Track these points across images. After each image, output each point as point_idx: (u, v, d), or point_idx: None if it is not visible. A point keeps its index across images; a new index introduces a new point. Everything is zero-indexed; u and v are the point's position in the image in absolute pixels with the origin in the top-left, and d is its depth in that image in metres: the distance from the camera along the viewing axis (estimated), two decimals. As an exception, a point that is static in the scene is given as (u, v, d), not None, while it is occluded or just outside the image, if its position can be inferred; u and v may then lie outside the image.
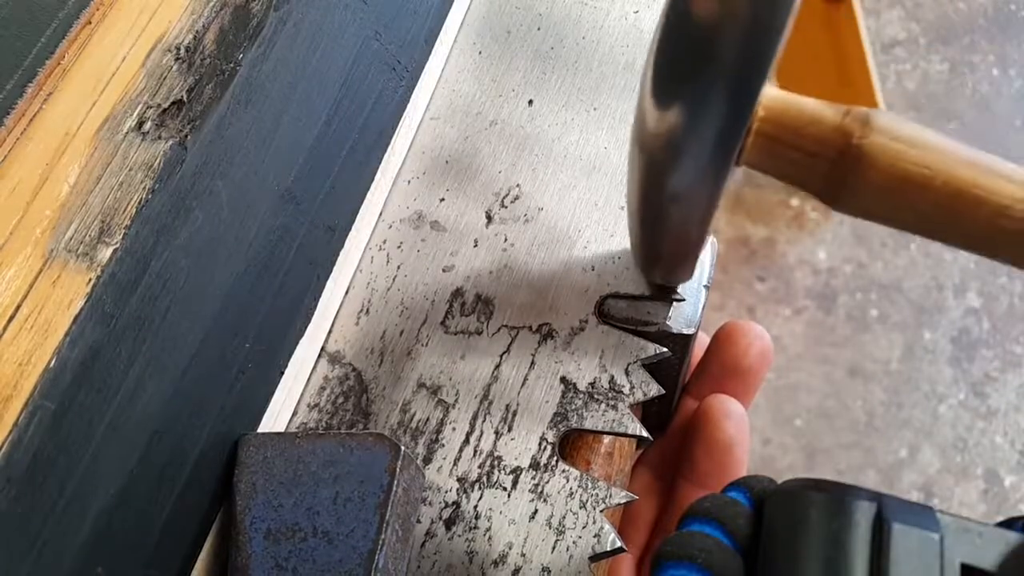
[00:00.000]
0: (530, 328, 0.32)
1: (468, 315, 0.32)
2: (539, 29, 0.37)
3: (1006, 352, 1.17)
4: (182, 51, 0.25)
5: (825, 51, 1.18)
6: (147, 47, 0.25)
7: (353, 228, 0.32)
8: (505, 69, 0.37)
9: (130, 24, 0.25)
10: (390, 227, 0.34)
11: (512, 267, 0.33)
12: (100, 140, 0.24)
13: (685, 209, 0.24)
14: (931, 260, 1.22)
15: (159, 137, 0.24)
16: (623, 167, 0.34)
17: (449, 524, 0.29)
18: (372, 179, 0.33)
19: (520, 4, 0.38)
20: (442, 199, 0.34)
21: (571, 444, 0.30)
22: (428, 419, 0.30)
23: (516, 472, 0.29)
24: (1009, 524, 0.22)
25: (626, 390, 0.30)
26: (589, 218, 0.33)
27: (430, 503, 0.29)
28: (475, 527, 0.29)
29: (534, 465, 0.29)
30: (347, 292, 0.33)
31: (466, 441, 0.30)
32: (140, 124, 0.24)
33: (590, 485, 0.29)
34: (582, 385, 0.31)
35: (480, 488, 0.29)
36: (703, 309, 0.32)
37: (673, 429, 0.35)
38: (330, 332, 0.32)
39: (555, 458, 0.29)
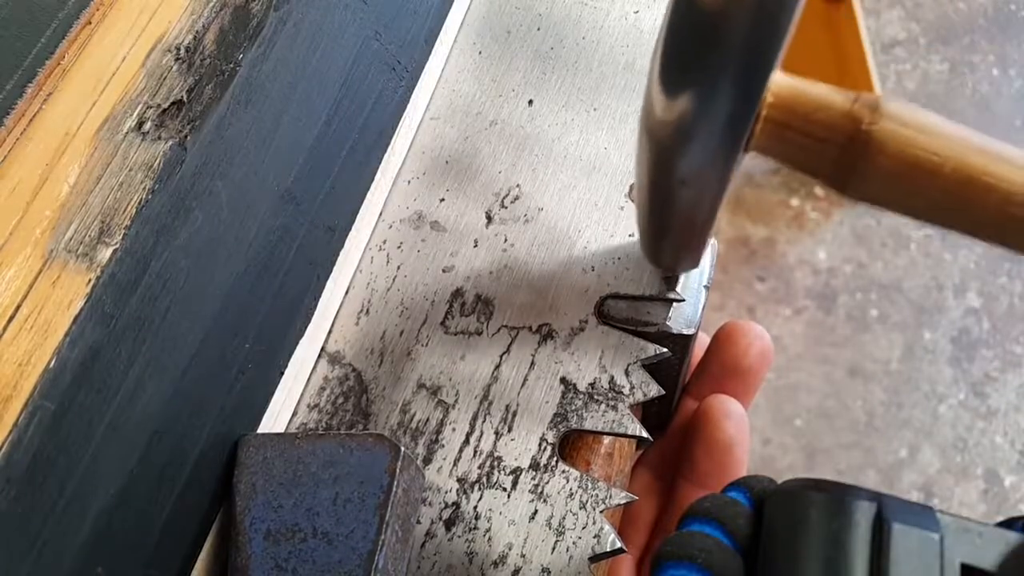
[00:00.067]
0: (530, 328, 0.32)
1: (468, 315, 0.32)
2: (539, 29, 0.37)
3: (1006, 352, 1.17)
4: (182, 51, 0.25)
5: (825, 51, 1.18)
6: (147, 47, 0.25)
7: (353, 228, 0.32)
8: (505, 69, 0.37)
9: (130, 24, 0.25)
10: (390, 227, 0.34)
11: (512, 267, 0.33)
12: (100, 140, 0.24)
13: (694, 195, 0.24)
14: (931, 260, 1.22)
15: (159, 137, 0.24)
16: (623, 167, 0.34)
17: (449, 525, 0.29)
18: (372, 179, 0.33)
19: (520, 4, 0.38)
20: (442, 199, 0.34)
21: (571, 444, 0.30)
22: (428, 419, 0.30)
23: (516, 473, 0.29)
24: (1009, 524, 0.22)
25: (626, 390, 0.30)
26: (589, 218, 0.33)
27: (430, 504, 0.29)
28: (475, 528, 0.29)
29: (534, 466, 0.29)
30: (347, 292, 0.33)
31: (466, 442, 0.30)
32: (140, 124, 0.24)
33: (590, 486, 0.29)
34: (582, 385, 0.31)
35: (480, 489, 0.29)
36: (703, 309, 0.32)
37: (673, 429, 0.35)
38: (330, 332, 0.32)
39: (555, 459, 0.29)
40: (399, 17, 0.33)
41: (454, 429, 0.30)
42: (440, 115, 0.36)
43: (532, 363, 0.31)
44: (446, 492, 0.29)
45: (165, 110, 0.25)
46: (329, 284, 0.31)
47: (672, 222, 0.26)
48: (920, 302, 1.20)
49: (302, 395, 0.31)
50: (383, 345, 0.32)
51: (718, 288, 1.19)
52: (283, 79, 0.28)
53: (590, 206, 0.34)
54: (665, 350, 0.31)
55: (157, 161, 0.24)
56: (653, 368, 0.31)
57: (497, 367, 0.31)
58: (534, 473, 0.29)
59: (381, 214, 0.34)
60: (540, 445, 0.30)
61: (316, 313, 0.31)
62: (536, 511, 0.29)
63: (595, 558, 0.28)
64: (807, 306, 1.20)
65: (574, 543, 0.28)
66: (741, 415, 0.32)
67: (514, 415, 0.30)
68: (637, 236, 0.33)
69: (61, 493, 0.21)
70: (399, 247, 0.33)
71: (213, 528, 0.27)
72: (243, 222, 0.27)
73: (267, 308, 0.28)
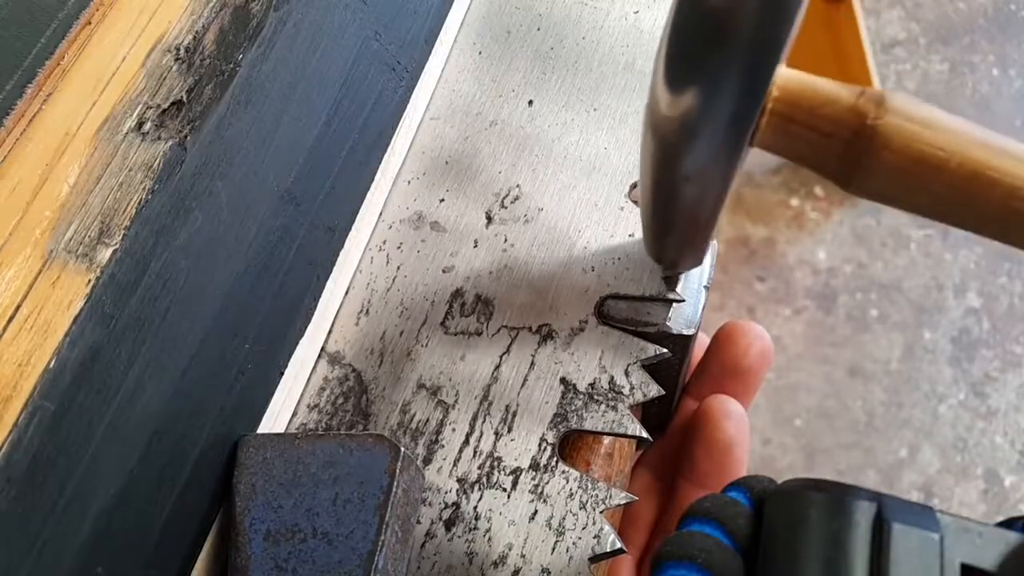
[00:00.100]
0: (530, 329, 0.32)
1: (468, 316, 0.32)
2: (539, 29, 0.37)
3: (1006, 352, 1.17)
4: (182, 51, 0.25)
5: (825, 51, 1.18)
6: (147, 47, 0.25)
7: (353, 228, 0.32)
8: (505, 69, 0.37)
9: (130, 24, 0.25)
10: (390, 227, 0.34)
11: (512, 267, 0.33)
12: (100, 140, 0.24)
13: (698, 191, 0.24)
14: (931, 260, 1.22)
15: (159, 137, 0.24)
16: (623, 167, 0.34)
17: (449, 525, 0.29)
18: (372, 179, 0.33)
19: (520, 4, 0.38)
20: (442, 199, 0.34)
21: (571, 445, 0.30)
22: (428, 420, 0.30)
23: (516, 473, 0.29)
24: (1009, 524, 0.22)
25: (626, 391, 0.30)
26: (589, 218, 0.33)
27: (430, 504, 0.29)
28: (475, 528, 0.29)
29: (534, 466, 0.29)
30: (347, 292, 0.33)
31: (466, 442, 0.30)
32: (140, 124, 0.24)
33: (590, 486, 0.29)
34: (582, 386, 0.31)
35: (480, 489, 0.29)
36: (703, 310, 0.32)
37: (673, 429, 0.35)
38: (330, 332, 0.32)
39: (555, 459, 0.29)
40: (399, 17, 0.33)
41: (454, 429, 0.30)
42: (440, 115, 0.36)
43: (532, 363, 0.31)
44: (446, 492, 0.29)
45: (165, 110, 0.25)
46: (329, 284, 0.31)
47: (676, 219, 0.26)
48: (920, 302, 1.20)
49: (302, 395, 0.31)
50: (383, 345, 0.32)
51: (718, 288, 1.19)
52: (283, 79, 0.28)
53: (590, 206, 0.34)
54: (665, 350, 0.31)
55: (157, 161, 0.24)
56: (653, 368, 0.31)
57: (497, 367, 0.31)
58: (534, 473, 0.29)
59: (381, 214, 0.34)
60: (540, 445, 0.30)
61: (316, 313, 0.31)
62: (536, 511, 0.29)
63: (595, 558, 0.28)
64: (807, 306, 1.20)
65: (574, 543, 0.28)
66: (741, 415, 0.32)
67: (514, 415, 0.30)
68: (638, 235, 0.33)
69: (61, 493, 0.21)
70: (399, 247, 0.33)
71: (213, 528, 0.27)
72: (243, 222, 0.27)
73: (267, 308, 0.28)
